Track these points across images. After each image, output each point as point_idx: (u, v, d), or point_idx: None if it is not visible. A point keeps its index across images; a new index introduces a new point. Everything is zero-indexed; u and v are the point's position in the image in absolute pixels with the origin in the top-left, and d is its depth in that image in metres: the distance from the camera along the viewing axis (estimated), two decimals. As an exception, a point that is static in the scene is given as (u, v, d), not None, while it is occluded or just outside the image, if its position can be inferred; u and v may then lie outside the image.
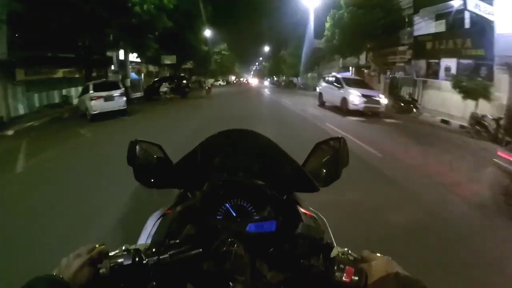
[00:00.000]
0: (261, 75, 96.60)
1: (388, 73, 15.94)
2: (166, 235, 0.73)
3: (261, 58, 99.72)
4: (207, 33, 32.39)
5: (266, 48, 73.17)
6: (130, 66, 19.20)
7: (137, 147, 0.92)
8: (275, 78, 64.07)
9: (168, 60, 22.53)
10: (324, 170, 0.93)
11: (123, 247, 0.61)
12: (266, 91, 30.70)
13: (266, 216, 0.72)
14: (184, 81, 20.97)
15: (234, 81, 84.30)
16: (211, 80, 51.72)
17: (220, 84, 52.96)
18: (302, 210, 0.90)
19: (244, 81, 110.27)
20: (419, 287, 0.47)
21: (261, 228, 0.69)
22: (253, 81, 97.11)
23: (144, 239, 0.88)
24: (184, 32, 21.19)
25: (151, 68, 27.05)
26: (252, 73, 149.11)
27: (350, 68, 20.75)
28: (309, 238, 0.61)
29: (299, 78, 38.15)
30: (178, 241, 0.64)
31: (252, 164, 0.85)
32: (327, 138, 0.99)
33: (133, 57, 19.03)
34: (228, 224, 0.70)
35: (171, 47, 20.47)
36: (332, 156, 0.94)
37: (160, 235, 0.78)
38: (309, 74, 33.57)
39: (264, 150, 0.82)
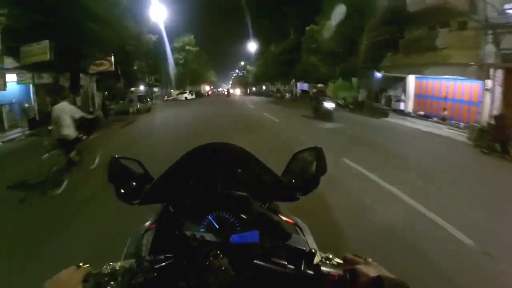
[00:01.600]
0: (243, 83, 79.28)
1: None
2: (150, 250, 0.75)
3: (242, 63, 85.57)
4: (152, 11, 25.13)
5: (251, 47, 54.86)
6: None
7: (117, 164, 0.95)
8: (264, 87, 54.92)
9: (33, 53, 10.55)
10: (303, 179, 0.96)
11: (108, 265, 0.61)
12: (273, 118, 14.39)
13: (249, 227, 0.73)
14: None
15: (209, 93, 65.34)
16: (174, 92, 42.42)
17: (186, 97, 36.47)
18: (284, 218, 0.97)
19: (223, 91, 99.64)
20: (401, 286, 0.48)
21: (245, 238, 0.71)
22: (234, 91, 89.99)
23: (127, 255, 0.89)
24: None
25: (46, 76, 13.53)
26: (231, 81, 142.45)
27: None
28: (291, 247, 0.65)
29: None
30: (163, 257, 0.65)
31: (232, 176, 0.87)
32: (304, 148, 1.02)
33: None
34: (211, 237, 0.72)
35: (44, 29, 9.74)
36: (310, 165, 0.97)
37: (144, 251, 0.79)
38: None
39: (242, 161, 0.85)
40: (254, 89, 64.28)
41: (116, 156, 0.96)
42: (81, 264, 0.60)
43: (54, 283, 0.55)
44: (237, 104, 27.90)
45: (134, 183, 0.96)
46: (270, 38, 41.03)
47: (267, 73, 40.78)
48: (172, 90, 42.43)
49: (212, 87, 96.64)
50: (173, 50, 39.23)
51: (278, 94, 36.36)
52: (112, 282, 0.57)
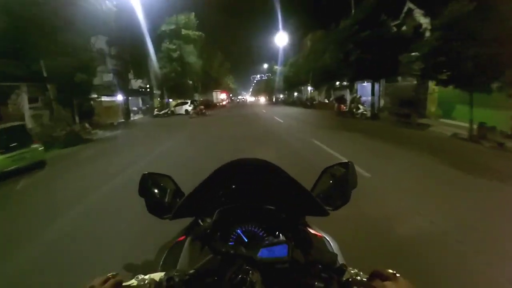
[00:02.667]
0: (268, 89, 63.36)
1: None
2: (180, 264, 0.77)
3: (266, 65, 67.40)
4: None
5: (280, 40, 43.50)
6: None
7: (149, 179, 0.98)
8: (295, 94, 40.11)
9: None
10: (333, 194, 0.96)
11: (139, 277, 0.61)
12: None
13: (277, 241, 0.73)
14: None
15: (224, 102, 50.45)
16: (172, 103, 28.82)
17: (187, 110, 24.87)
18: (313, 232, 0.95)
19: (243, 99, 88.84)
20: None
21: (273, 253, 0.69)
22: (257, 99, 77.88)
23: (157, 267, 0.89)
24: None
25: None
26: (252, 88, 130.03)
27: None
28: (322, 263, 0.62)
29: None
30: (192, 271, 0.64)
31: (261, 190, 0.88)
32: (334, 163, 1.03)
33: None
34: (240, 250, 0.71)
35: None
36: (340, 179, 0.98)
37: (173, 264, 0.80)
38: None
39: (272, 176, 0.84)
40: (281, 96, 50.05)
41: (147, 172, 0.98)
42: (110, 274, 0.59)
43: None
44: (271, 127, 13.23)
45: (165, 198, 0.97)
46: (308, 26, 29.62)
47: (301, 74, 27.69)
48: (171, 100, 30.19)
49: (231, 94, 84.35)
50: (161, 36, 25.58)
51: (341, 105, 18.63)
52: None
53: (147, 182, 0.97)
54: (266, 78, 71.19)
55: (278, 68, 46.14)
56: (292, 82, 34.13)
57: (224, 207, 0.84)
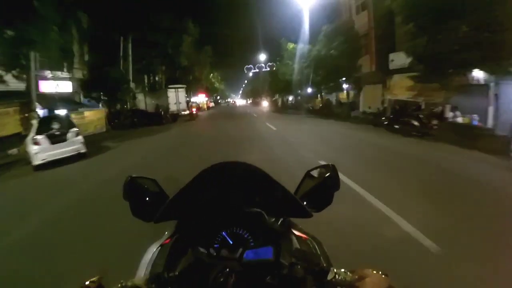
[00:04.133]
0: (255, 93, 58.73)
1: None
2: (164, 267, 0.74)
3: (263, 57, 50.77)
4: None
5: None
6: None
7: (132, 183, 0.95)
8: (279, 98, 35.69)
9: None
10: (316, 196, 0.96)
11: (121, 283, 0.61)
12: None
13: (262, 243, 0.74)
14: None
15: (195, 110, 24.76)
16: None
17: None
18: (297, 233, 0.95)
19: (233, 102, 79.66)
20: None
21: (258, 255, 0.71)
22: (243, 102, 65.91)
23: (142, 270, 0.88)
24: None
25: None
26: (242, 89, 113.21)
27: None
28: (305, 264, 0.63)
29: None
30: (177, 273, 0.65)
31: (245, 193, 0.87)
32: (317, 166, 1.05)
33: None
34: (225, 253, 0.73)
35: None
36: (323, 182, 0.98)
37: (158, 267, 0.79)
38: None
39: (256, 179, 0.83)
40: (290, 99, 36.97)
41: (131, 176, 0.96)
42: (94, 279, 0.59)
43: None
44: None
45: (150, 201, 0.96)
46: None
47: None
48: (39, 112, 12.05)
49: (217, 97, 67.32)
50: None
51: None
52: None
53: (131, 186, 0.95)
54: (256, 76, 55.28)
55: (301, 46, 22.58)
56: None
57: (208, 210, 0.85)
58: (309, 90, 23.53)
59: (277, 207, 0.86)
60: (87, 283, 0.59)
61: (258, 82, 55.81)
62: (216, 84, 62.26)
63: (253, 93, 66.48)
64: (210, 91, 53.13)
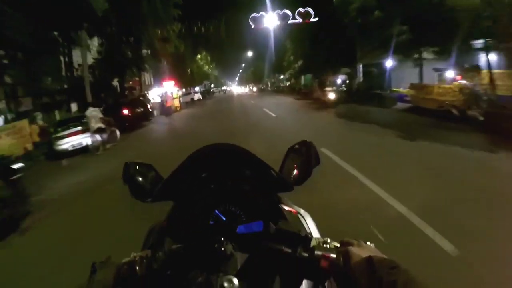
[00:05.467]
0: (255, 78, 54.31)
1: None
2: (165, 242, 0.79)
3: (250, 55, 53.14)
4: None
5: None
6: None
7: (130, 167, 1.04)
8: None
9: None
10: (297, 171, 1.05)
11: (133, 254, 0.66)
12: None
13: (254, 217, 0.83)
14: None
15: (178, 102, 22.26)
16: None
17: None
18: (287, 208, 1.00)
19: (230, 91, 69.21)
20: (390, 266, 0.49)
21: (250, 228, 0.79)
22: (240, 89, 57.56)
23: (146, 247, 0.93)
24: None
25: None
26: (237, 78, 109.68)
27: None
28: (288, 232, 0.68)
29: None
30: (175, 246, 0.70)
31: (236, 172, 0.95)
32: (296, 143, 1.13)
33: None
34: (219, 228, 0.83)
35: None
36: (303, 157, 1.07)
37: (160, 243, 0.82)
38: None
39: (245, 159, 0.91)
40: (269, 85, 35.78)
41: (129, 161, 1.05)
42: (102, 259, 0.64)
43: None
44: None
45: (147, 184, 1.02)
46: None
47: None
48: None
49: (210, 84, 58.95)
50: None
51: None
52: (131, 269, 0.61)
53: (130, 170, 1.03)
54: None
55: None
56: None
57: (201, 189, 0.91)
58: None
59: (265, 184, 0.94)
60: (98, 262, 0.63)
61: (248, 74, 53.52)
62: (206, 68, 47.58)
63: (247, 82, 63.21)
64: (197, 77, 40.16)
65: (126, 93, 18.82)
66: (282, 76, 41.28)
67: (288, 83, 37.77)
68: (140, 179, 1.03)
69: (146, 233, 1.02)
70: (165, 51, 21.45)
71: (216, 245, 0.64)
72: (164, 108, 19.27)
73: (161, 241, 0.81)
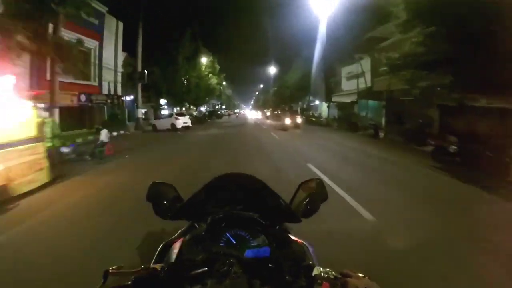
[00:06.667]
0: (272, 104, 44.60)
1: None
2: (177, 258, 0.86)
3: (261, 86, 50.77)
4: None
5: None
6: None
7: (155, 187, 1.18)
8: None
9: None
10: (306, 205, 1.14)
11: (144, 266, 0.71)
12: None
13: (261, 244, 0.89)
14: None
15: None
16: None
17: None
18: (293, 238, 1.07)
19: (243, 113, 65.69)
20: None
21: (257, 253, 0.85)
22: (254, 114, 48.43)
23: (157, 261, 1.00)
24: None
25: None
26: (253, 102, 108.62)
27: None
28: (292, 260, 0.77)
29: None
30: (187, 263, 0.76)
31: (247, 200, 1.05)
32: (308, 179, 1.24)
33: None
34: (229, 250, 0.85)
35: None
36: (312, 193, 1.18)
37: (172, 259, 0.89)
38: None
39: (257, 189, 1.00)
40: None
41: (154, 181, 1.19)
42: (114, 267, 0.66)
43: None
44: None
45: (168, 203, 1.15)
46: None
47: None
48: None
49: (221, 106, 52.27)
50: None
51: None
52: (144, 278, 0.66)
53: (154, 189, 1.17)
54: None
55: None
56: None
57: (216, 213, 0.99)
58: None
59: (273, 213, 1.03)
60: (110, 270, 0.67)
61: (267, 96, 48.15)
62: (213, 80, 32.43)
63: (264, 106, 55.51)
64: (196, 90, 28.10)
65: None
66: (317, 102, 30.70)
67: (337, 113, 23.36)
68: (162, 198, 1.15)
69: (159, 248, 1.07)
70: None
71: (226, 266, 0.71)
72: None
73: (173, 257, 0.88)
